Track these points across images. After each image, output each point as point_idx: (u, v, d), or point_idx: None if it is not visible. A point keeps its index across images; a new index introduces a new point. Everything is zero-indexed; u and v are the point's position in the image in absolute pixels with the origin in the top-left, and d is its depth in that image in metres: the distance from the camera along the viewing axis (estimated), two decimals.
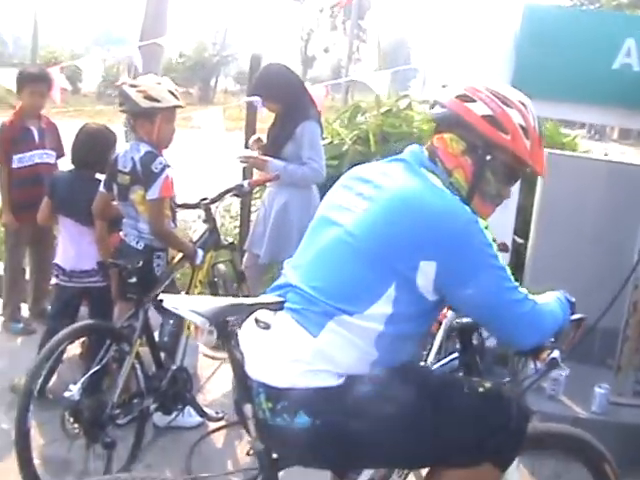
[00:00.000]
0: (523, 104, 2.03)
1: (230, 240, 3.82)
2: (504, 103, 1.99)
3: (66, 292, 3.68)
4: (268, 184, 4.17)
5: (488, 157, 1.99)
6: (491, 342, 2.51)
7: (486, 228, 1.92)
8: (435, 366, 2.40)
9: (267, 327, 1.94)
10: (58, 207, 3.74)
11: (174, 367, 3.29)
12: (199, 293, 3.53)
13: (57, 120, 4.78)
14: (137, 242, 3.32)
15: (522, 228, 4.42)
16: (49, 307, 4.77)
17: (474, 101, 1.99)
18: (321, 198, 2.27)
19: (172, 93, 3.27)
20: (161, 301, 2.01)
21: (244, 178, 5.08)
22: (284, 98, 4.01)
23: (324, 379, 1.86)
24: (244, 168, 4.89)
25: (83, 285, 3.66)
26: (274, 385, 1.88)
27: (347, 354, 1.87)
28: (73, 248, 3.66)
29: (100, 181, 3.62)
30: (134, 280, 3.10)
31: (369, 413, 1.86)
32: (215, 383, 4.10)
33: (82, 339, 3.89)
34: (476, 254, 1.88)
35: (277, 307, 1.97)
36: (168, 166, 3.23)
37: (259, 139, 4.29)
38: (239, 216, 5.47)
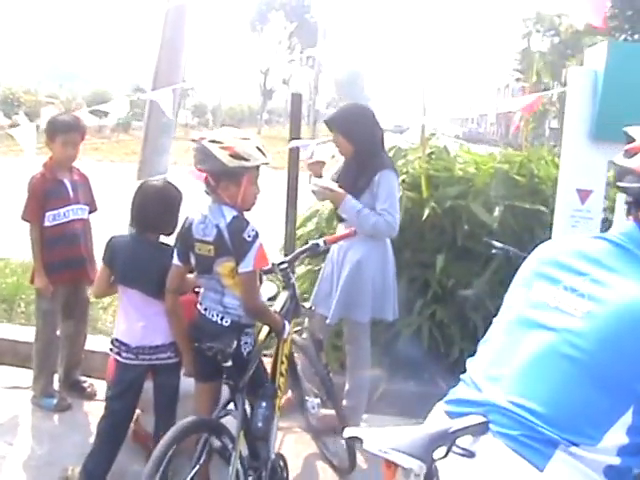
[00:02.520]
0: None
1: (308, 305, 3.46)
2: None
3: (131, 371, 3.23)
4: None
5: None
6: None
7: None
8: None
9: (471, 455, 1.61)
10: (121, 277, 3.28)
11: (272, 456, 2.91)
12: (286, 370, 3.17)
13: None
14: (222, 318, 2.89)
15: None
16: (81, 378, 4.36)
17: None
18: None
19: (260, 150, 2.87)
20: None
21: (288, 215, 4.72)
22: (360, 139, 3.69)
23: None
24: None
25: (152, 362, 3.23)
26: None
27: None
28: (140, 322, 3.21)
29: (166, 245, 3.24)
30: (230, 364, 2.73)
31: None
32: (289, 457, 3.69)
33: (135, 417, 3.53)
34: None
35: (479, 430, 1.63)
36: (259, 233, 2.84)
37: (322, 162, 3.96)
38: None
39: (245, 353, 2.88)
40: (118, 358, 3.27)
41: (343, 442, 3.56)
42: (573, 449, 1.54)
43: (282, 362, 3.13)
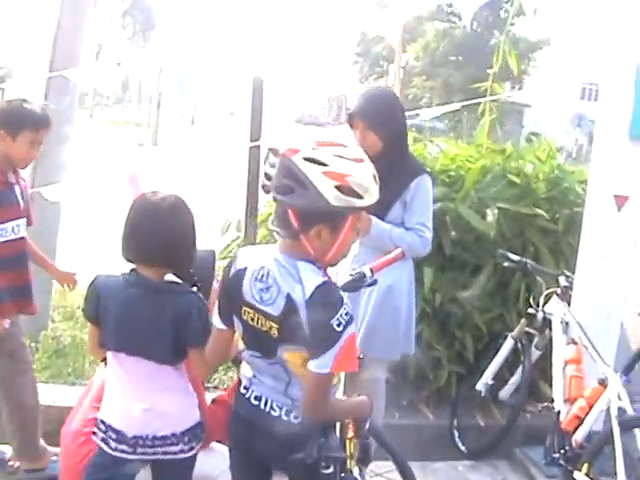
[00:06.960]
0: None
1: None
2: None
3: (123, 466, 2.25)
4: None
5: None
6: None
7: None
8: None
9: None
10: (114, 340, 2.25)
11: None
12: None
13: None
14: (287, 412, 2.02)
15: None
16: None
17: None
18: None
19: (375, 180, 1.95)
20: None
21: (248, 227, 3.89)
22: (391, 135, 3.01)
23: None
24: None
25: (156, 457, 2.27)
26: None
27: None
28: (141, 402, 2.23)
29: (179, 284, 2.29)
30: (331, 470, 1.95)
31: None
32: None
33: None
34: None
35: None
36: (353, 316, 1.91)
37: None
38: None
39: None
40: (104, 447, 2.29)
41: None
42: None
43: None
